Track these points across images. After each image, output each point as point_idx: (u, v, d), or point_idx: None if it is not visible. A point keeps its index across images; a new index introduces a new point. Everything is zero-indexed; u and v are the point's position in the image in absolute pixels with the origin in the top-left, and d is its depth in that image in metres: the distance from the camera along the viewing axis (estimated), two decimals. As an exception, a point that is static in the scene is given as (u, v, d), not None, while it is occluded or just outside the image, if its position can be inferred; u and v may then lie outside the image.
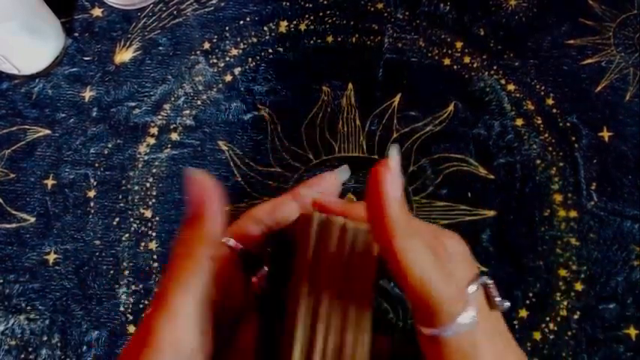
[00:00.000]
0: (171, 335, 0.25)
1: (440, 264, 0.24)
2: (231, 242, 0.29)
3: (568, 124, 0.48)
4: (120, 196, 0.47)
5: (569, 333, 0.43)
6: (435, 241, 0.26)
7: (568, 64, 0.50)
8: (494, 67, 0.50)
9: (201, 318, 0.26)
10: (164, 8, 0.52)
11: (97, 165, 0.48)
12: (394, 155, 0.25)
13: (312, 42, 0.51)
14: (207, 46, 0.51)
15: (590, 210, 0.46)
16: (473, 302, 0.24)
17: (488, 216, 0.46)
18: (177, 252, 0.27)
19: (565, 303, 0.44)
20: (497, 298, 0.26)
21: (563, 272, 0.45)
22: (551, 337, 0.43)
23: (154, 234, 0.46)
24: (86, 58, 0.51)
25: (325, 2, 0.52)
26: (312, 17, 0.52)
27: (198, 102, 0.49)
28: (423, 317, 0.24)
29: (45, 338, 0.44)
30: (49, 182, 0.47)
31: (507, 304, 0.26)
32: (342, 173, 0.33)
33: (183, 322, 0.25)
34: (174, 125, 0.49)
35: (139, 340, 0.26)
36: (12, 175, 0.48)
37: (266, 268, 0.30)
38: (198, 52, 0.51)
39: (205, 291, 0.26)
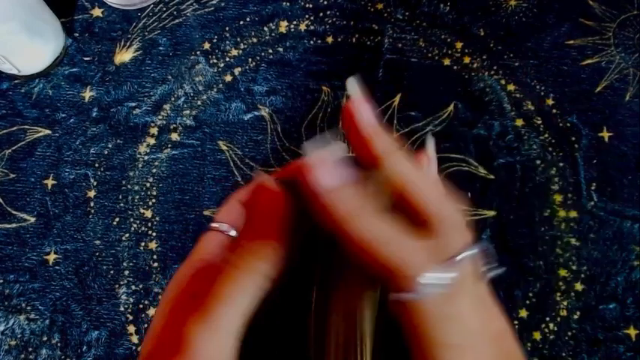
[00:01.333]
0: (210, 350, 0.24)
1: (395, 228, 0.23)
2: (224, 227, 0.28)
3: (568, 124, 0.48)
4: (120, 196, 0.47)
5: (569, 333, 0.43)
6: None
7: (568, 65, 0.50)
8: (494, 67, 0.50)
9: (239, 335, 0.24)
10: (164, 8, 0.52)
11: (97, 165, 0.48)
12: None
13: (312, 42, 0.51)
14: (207, 46, 0.51)
15: (590, 210, 0.46)
16: (455, 270, 0.23)
17: (488, 216, 0.46)
18: (234, 263, 0.25)
19: (565, 303, 0.44)
20: (486, 267, 0.24)
21: (563, 272, 0.45)
22: (551, 337, 0.43)
23: (154, 234, 0.46)
24: (86, 58, 0.51)
25: (325, 2, 0.52)
26: (312, 17, 0.52)
27: (198, 102, 0.49)
28: (387, 283, 0.23)
29: (45, 338, 0.44)
30: (49, 182, 0.47)
31: (497, 271, 0.24)
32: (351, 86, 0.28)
33: (224, 338, 0.24)
34: (174, 125, 0.49)
35: (170, 345, 0.24)
36: (12, 175, 0.48)
37: None
38: (198, 52, 0.51)
39: (252, 310, 0.24)
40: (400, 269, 0.22)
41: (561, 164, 0.47)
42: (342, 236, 0.23)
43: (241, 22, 0.52)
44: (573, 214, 0.46)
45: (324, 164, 0.24)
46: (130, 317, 0.44)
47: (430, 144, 0.28)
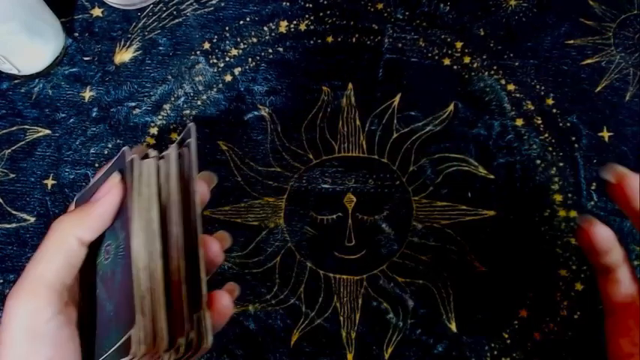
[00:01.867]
0: (24, 307, 0.27)
1: None
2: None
3: (568, 124, 0.48)
4: (120, 196, 0.47)
5: (569, 333, 0.43)
6: None
7: (568, 64, 0.50)
8: (495, 67, 0.50)
9: (62, 291, 0.28)
10: (164, 8, 0.52)
11: (96, 165, 0.48)
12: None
13: (312, 42, 0.51)
14: (207, 46, 0.51)
15: (590, 210, 0.46)
16: None
17: (489, 216, 0.46)
18: (52, 227, 0.30)
19: (565, 303, 0.44)
20: None
21: (563, 272, 0.45)
22: (551, 337, 0.43)
23: (153, 234, 0.46)
24: (86, 58, 0.51)
25: (325, 2, 0.52)
26: (312, 17, 0.52)
27: (198, 102, 0.49)
28: None
29: (45, 338, 0.44)
30: (49, 182, 0.47)
31: None
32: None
33: (40, 294, 0.27)
34: (174, 125, 0.49)
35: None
36: (12, 175, 0.48)
37: None
38: (198, 52, 0.51)
39: (68, 268, 0.28)
40: None
41: (561, 164, 0.47)
42: None
43: (241, 22, 0.52)
44: (573, 214, 0.46)
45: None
46: (130, 317, 0.44)
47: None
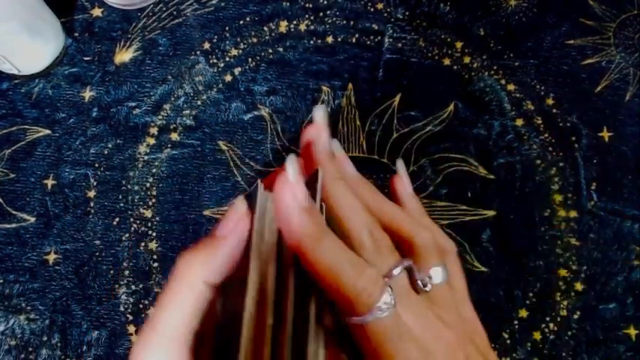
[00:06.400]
0: (150, 357, 0.25)
1: (351, 255, 0.24)
2: None
3: (568, 124, 0.48)
4: (120, 196, 0.47)
5: (569, 333, 0.43)
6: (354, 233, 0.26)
7: (568, 64, 0.50)
8: (495, 67, 0.50)
9: (188, 342, 0.26)
10: (164, 8, 0.52)
11: (97, 165, 0.48)
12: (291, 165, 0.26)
13: (312, 42, 0.51)
14: (207, 46, 0.51)
15: (590, 210, 0.46)
16: (393, 288, 0.24)
17: (488, 216, 0.46)
18: (173, 274, 0.27)
19: (565, 303, 0.44)
20: (419, 281, 0.26)
21: (563, 272, 0.45)
22: (551, 337, 0.43)
23: (154, 234, 0.46)
24: (86, 58, 0.51)
25: (325, 2, 0.52)
26: (312, 17, 0.52)
27: (198, 102, 0.49)
28: (343, 309, 0.24)
29: (45, 338, 0.44)
30: (49, 182, 0.47)
31: (429, 286, 0.26)
32: (318, 112, 0.31)
33: (165, 345, 0.25)
34: (174, 125, 0.49)
35: None
36: (12, 175, 0.48)
37: None
38: (198, 52, 0.51)
39: (197, 315, 0.26)
40: (359, 296, 0.24)
41: (561, 164, 0.47)
42: (303, 259, 0.24)
43: (241, 22, 0.52)
44: (573, 214, 0.46)
45: (293, 184, 0.25)
46: (130, 317, 0.44)
47: (399, 165, 0.34)
